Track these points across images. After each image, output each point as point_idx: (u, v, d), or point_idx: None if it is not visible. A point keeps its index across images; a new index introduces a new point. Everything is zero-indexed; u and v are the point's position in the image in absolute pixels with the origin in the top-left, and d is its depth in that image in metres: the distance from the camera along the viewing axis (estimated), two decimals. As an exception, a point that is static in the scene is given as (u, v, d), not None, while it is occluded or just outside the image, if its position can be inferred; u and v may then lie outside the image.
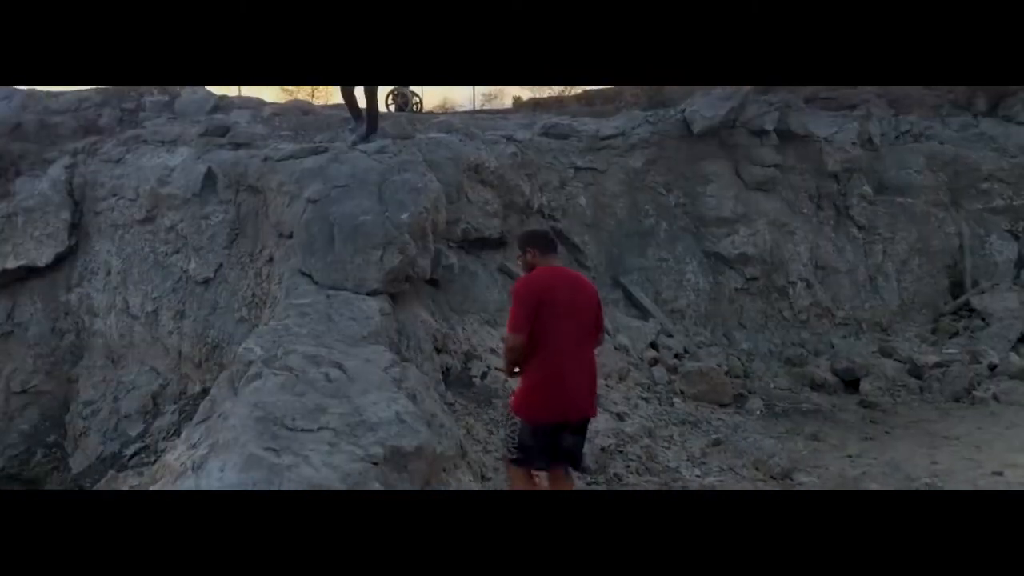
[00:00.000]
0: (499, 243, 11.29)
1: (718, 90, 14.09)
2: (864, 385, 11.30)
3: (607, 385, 9.64)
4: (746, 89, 13.91)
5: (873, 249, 14.15)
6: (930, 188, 14.67)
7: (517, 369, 4.77)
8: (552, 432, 4.52)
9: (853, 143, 14.62)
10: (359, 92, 10.68)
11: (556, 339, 4.35)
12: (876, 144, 14.95)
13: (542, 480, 5.18)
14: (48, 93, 15.09)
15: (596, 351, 4.98)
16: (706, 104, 13.68)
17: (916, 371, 11.64)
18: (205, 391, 8.90)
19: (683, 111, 13.85)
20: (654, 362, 10.85)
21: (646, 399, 9.77)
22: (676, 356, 11.30)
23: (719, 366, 11.09)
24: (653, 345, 11.27)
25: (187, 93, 14.73)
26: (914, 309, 14.04)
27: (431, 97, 49.23)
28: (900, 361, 12.08)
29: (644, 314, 12.01)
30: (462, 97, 46.67)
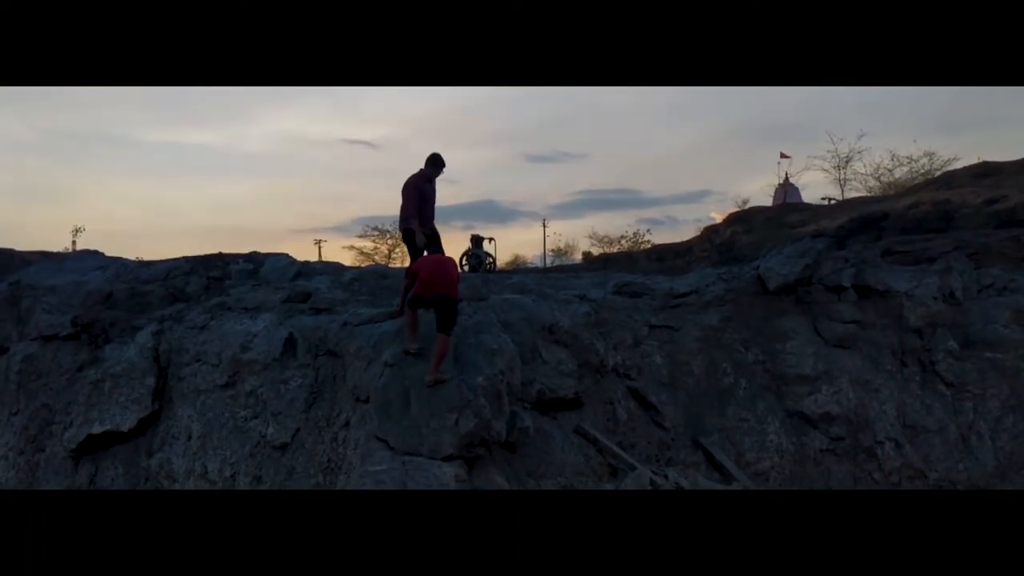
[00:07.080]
0: (575, 403, 11.14)
1: (791, 247, 14.06)
2: (966, 553, 10.60)
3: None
4: (820, 246, 13.86)
5: (963, 407, 13.58)
6: (1019, 343, 14.16)
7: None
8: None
9: (934, 297, 14.30)
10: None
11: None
12: (959, 298, 14.61)
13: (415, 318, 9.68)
14: (140, 263, 15.85)
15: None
16: (780, 261, 13.63)
17: (1022, 537, 10.92)
18: (279, 560, 8.77)
19: (757, 268, 13.80)
20: (739, 528, 10.39)
21: (732, 568, 9.30)
22: (762, 521, 10.80)
23: (808, 532, 10.55)
24: (737, 510, 10.82)
25: (271, 260, 15.30)
26: (1012, 470, 13.28)
27: (502, 254, 50.78)
28: (1003, 526, 11.35)
29: (727, 477, 11.60)
30: (531, 254, 48.46)
